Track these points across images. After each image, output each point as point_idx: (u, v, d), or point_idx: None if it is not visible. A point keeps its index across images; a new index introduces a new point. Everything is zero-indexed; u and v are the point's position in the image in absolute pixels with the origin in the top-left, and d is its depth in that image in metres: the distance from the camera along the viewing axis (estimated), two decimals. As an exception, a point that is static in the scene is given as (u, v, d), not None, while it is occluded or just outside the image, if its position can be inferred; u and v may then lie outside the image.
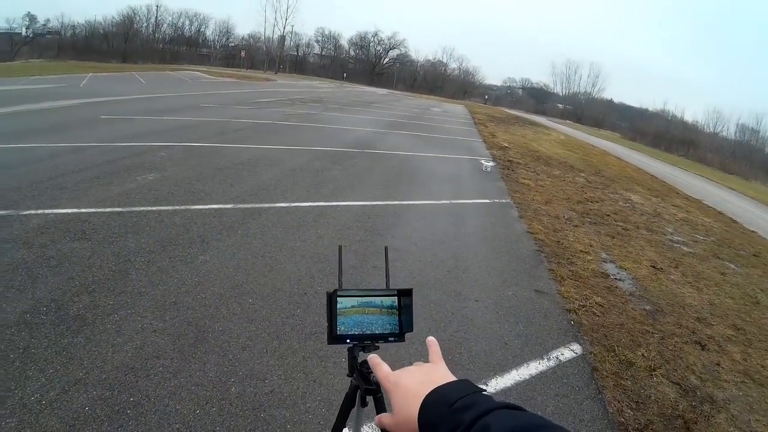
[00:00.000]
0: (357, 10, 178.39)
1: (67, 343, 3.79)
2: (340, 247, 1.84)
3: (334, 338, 1.58)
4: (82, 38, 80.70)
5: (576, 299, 5.78)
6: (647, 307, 6.00)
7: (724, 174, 41.33)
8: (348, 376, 1.73)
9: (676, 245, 9.39)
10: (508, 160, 15.91)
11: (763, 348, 5.65)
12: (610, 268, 7.16)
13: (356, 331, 1.61)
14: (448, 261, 6.43)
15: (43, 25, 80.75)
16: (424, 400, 0.79)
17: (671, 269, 7.71)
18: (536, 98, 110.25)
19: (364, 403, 1.85)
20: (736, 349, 5.43)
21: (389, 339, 1.63)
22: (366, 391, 1.68)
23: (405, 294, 1.64)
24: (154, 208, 6.72)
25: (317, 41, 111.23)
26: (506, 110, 68.45)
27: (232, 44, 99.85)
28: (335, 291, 1.61)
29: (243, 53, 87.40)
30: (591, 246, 7.95)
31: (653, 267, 7.58)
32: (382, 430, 0.93)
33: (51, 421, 3.03)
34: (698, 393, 4.33)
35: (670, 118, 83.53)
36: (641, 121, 79.60)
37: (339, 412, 1.84)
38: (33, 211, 6.22)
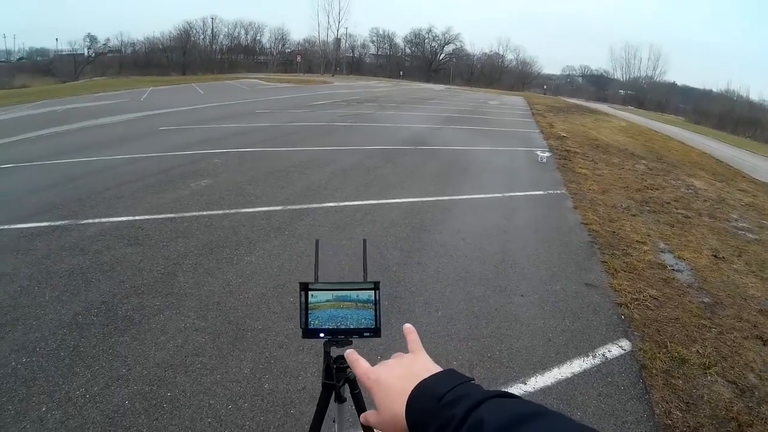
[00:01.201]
0: (410, 8, 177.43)
1: (113, 342, 3.96)
2: (317, 241, 1.76)
3: (307, 332, 1.56)
4: (142, 54, 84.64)
5: (628, 292, 5.47)
6: (705, 300, 5.62)
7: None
8: (324, 384, 1.75)
9: (740, 232, 8.82)
10: (566, 150, 15.40)
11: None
12: (668, 258, 6.77)
13: (330, 326, 1.57)
14: (495, 255, 6.25)
15: (104, 44, 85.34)
16: (410, 396, 0.74)
17: (734, 258, 7.23)
18: (596, 85, 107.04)
19: (341, 399, 1.81)
20: (803, 346, 5.03)
21: (364, 334, 1.58)
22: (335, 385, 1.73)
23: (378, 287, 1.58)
24: (204, 213, 6.86)
25: (372, 41, 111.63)
26: (566, 99, 66.69)
27: (288, 50, 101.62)
28: (308, 284, 1.56)
29: (299, 58, 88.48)
30: (648, 236, 7.55)
31: (714, 256, 7.13)
32: (365, 428, 0.88)
33: (93, 414, 3.19)
34: (756, 393, 4.00)
35: (735, 98, 79.28)
36: (705, 103, 75.87)
37: (315, 413, 1.81)
38: (90, 220, 6.49)
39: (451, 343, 4.24)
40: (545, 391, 3.72)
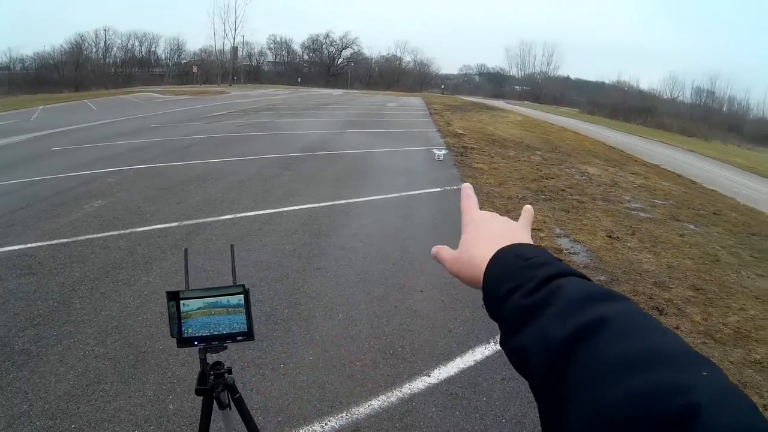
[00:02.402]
0: (308, 13, 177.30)
1: (12, 378, 3.77)
2: (185, 250, 1.80)
3: (182, 341, 1.61)
4: (33, 71, 79.22)
5: (526, 276, 5.64)
6: (602, 278, 5.92)
7: (683, 137, 41.96)
8: (197, 390, 1.66)
9: (633, 212, 9.38)
10: (463, 147, 15.83)
11: (724, 305, 5.61)
12: (564, 242, 7.09)
13: (204, 333, 1.61)
14: (394, 254, 6.32)
15: (-10, 62, 79.19)
16: (500, 249, 0.70)
17: (628, 237, 7.67)
18: (494, 83, 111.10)
19: (222, 405, 1.80)
20: (695, 310, 5.37)
21: (237, 338, 1.62)
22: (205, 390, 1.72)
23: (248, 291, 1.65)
24: (100, 235, 6.57)
25: (270, 49, 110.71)
26: (464, 98, 68.67)
27: (185, 60, 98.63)
28: (178, 293, 1.61)
29: (195, 69, 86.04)
30: (544, 223, 7.89)
31: (609, 237, 7.53)
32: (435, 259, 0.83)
33: None
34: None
35: (626, 89, 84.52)
36: (598, 95, 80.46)
37: (199, 423, 1.79)
38: None
39: (354, 344, 4.25)
40: (449, 381, 3.79)
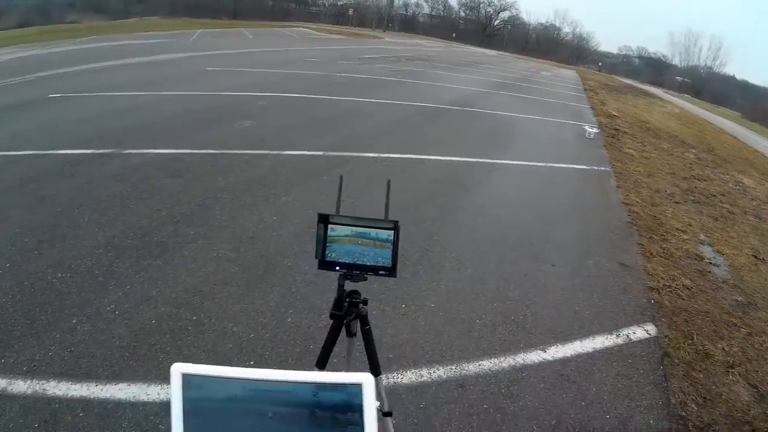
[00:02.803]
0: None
1: (146, 265, 4.14)
2: (341, 177, 1.82)
3: (324, 264, 1.62)
4: None
5: (662, 278, 5.39)
6: (739, 299, 5.51)
7: None
8: (331, 314, 1.73)
9: (786, 236, 8.63)
10: (615, 129, 15.02)
11: None
12: (707, 251, 6.65)
13: (347, 260, 1.62)
14: (531, 223, 6.25)
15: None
16: None
17: (775, 261, 7.10)
18: (653, 68, 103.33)
19: (350, 333, 1.82)
20: None
21: (380, 272, 1.62)
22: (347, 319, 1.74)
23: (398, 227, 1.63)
24: (246, 152, 6.94)
25: (426, 1, 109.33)
26: (620, 79, 64.50)
27: (341, 2, 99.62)
28: (328, 216, 1.60)
29: (351, 11, 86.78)
30: (690, 225, 7.41)
31: (755, 257, 6.95)
32: None
33: (120, 329, 3.37)
34: (776, 400, 3.98)
35: (796, 100, 75.97)
36: (764, 101, 73.15)
37: (324, 343, 1.85)
38: (134, 151, 6.65)
39: (477, 302, 4.29)
40: (564, 361, 3.74)
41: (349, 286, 1.71)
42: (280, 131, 8.22)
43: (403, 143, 8.62)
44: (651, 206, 7.82)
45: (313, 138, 8.11)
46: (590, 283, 4.98)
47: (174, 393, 0.77)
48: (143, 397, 2.85)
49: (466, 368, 3.48)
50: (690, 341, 4.35)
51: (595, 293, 4.81)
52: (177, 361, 0.80)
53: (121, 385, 2.93)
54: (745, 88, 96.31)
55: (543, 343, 3.90)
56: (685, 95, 71.33)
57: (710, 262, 6.27)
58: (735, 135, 27.13)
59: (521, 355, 3.73)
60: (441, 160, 8.07)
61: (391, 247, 1.62)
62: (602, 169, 9.71)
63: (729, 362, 4.20)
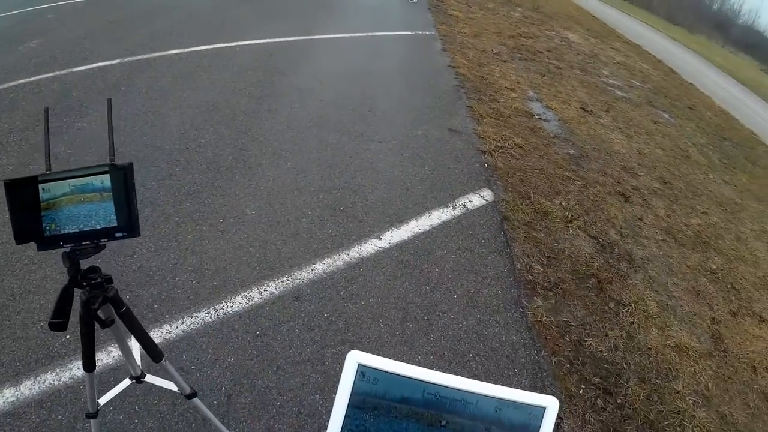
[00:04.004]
0: None
1: None
2: (46, 110, 1.23)
3: (44, 242, 1.16)
4: None
5: (494, 140, 5.35)
6: (571, 152, 5.66)
7: (668, 24, 41.14)
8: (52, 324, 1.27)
9: (609, 89, 9.05)
10: (439, -10, 14.86)
11: (688, 205, 5.53)
12: (536, 107, 6.74)
13: (72, 229, 1.17)
14: (354, 98, 5.87)
15: None
16: None
17: (602, 113, 7.38)
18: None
19: (104, 324, 1.38)
20: (661, 204, 5.24)
21: (116, 235, 1.20)
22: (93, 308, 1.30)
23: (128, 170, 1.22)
24: (32, 79, 5.78)
25: None
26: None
27: None
28: (35, 178, 1.13)
29: None
30: (518, 83, 7.46)
31: (583, 109, 7.21)
32: None
33: None
34: (616, 250, 4.09)
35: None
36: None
37: (82, 349, 1.41)
38: None
39: (301, 197, 3.90)
40: (401, 246, 3.54)
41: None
42: (71, 45, 6.97)
43: (210, 33, 7.71)
44: (478, 67, 7.75)
45: (110, 45, 6.97)
46: (420, 155, 4.79)
47: (344, 382, 0.73)
48: None
49: (298, 277, 3.16)
50: (528, 201, 4.35)
51: (426, 165, 4.63)
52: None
53: None
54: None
55: (377, 230, 3.66)
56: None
57: (541, 118, 6.36)
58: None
59: (355, 248, 3.46)
60: (254, 44, 7.34)
61: (124, 197, 1.19)
62: (427, 33, 9.48)
63: (568, 217, 4.29)
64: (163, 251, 3.17)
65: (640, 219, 4.75)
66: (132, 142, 4.40)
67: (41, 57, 6.52)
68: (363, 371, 0.74)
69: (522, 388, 0.72)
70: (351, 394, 0.73)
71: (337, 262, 3.31)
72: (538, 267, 3.55)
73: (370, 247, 3.48)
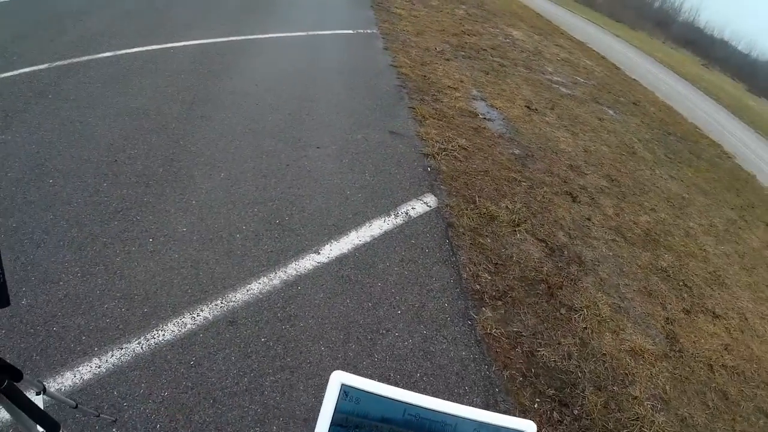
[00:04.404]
0: None
1: None
2: None
3: None
4: None
5: (437, 142, 5.25)
6: (517, 152, 5.61)
7: (610, 20, 42.05)
8: None
9: (554, 86, 9.10)
10: (382, -13, 14.76)
11: (636, 203, 5.56)
12: (480, 106, 6.68)
13: None
14: (291, 102, 5.67)
15: None
16: None
17: (547, 111, 7.39)
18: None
19: None
20: (609, 202, 5.24)
21: None
22: None
23: None
24: None
25: None
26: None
27: None
28: None
29: None
30: (461, 82, 7.40)
31: (528, 107, 7.21)
32: None
33: None
34: (565, 252, 4.04)
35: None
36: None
37: None
38: None
39: (235, 211, 3.70)
40: (341, 260, 3.38)
41: None
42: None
43: (143, 33, 7.39)
44: (421, 66, 7.67)
45: (38, 47, 6.59)
46: (360, 161, 4.64)
47: (327, 401, 0.75)
48: None
49: (233, 299, 2.98)
50: (473, 205, 4.26)
51: (367, 171, 4.49)
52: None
53: None
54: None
55: (315, 244, 3.49)
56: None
57: (485, 118, 6.30)
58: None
59: (293, 264, 3.29)
60: (190, 45, 7.06)
61: None
62: (369, 31, 9.36)
63: (515, 220, 4.22)
64: (89, 276, 2.94)
65: (589, 219, 4.72)
66: (57, 155, 4.10)
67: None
68: (346, 391, 0.75)
69: (475, 407, 0.73)
70: (334, 413, 0.75)
71: (274, 281, 3.13)
72: (486, 275, 3.45)
73: (308, 262, 3.31)
